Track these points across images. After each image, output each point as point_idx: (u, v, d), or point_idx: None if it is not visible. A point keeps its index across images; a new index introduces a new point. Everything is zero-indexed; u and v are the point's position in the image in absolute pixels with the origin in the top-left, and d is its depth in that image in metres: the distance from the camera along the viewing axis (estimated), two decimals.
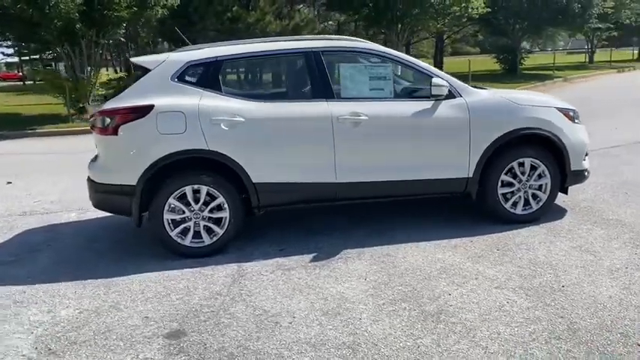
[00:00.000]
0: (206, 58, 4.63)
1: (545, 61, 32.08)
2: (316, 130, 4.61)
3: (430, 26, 22.72)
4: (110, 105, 4.50)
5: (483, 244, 4.60)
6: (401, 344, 3.09)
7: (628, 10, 32.29)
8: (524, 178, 5.00)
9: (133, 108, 4.41)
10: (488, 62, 31.21)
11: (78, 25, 14.77)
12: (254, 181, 4.55)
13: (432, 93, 4.69)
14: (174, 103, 4.45)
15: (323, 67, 4.71)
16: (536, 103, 5.05)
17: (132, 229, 5.34)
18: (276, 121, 4.55)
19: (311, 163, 4.65)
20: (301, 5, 28.45)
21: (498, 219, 5.04)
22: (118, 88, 5.78)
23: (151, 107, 4.40)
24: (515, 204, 5.04)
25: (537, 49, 40.36)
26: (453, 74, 5.25)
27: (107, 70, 37.32)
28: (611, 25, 30.54)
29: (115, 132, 4.42)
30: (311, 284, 3.96)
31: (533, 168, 4.99)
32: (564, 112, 5.10)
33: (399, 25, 20.68)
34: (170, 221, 4.52)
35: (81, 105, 16.30)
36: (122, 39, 23.51)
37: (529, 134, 4.91)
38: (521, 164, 4.97)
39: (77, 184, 7.49)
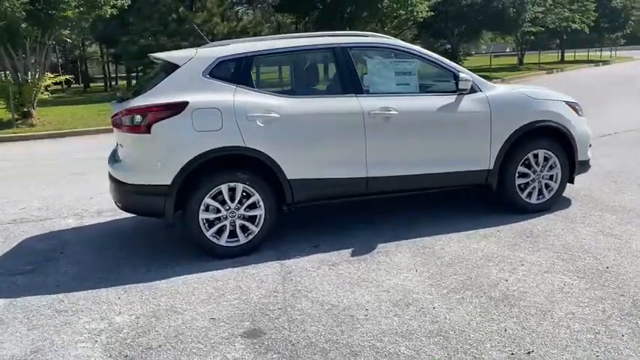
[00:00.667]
0: (236, 54, 4.54)
1: (479, 64, 33.45)
2: (348, 125, 4.62)
3: (377, 29, 23.12)
4: (140, 102, 4.32)
5: (510, 232, 4.77)
6: (487, 329, 3.15)
7: (552, 14, 34.23)
8: (538, 169, 5.22)
9: (167, 105, 4.25)
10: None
11: (23, 25, 13.98)
12: (289, 177, 4.49)
13: (460, 87, 4.82)
14: (210, 99, 4.33)
15: (352, 63, 4.73)
16: (548, 97, 5.30)
17: (139, 233, 5.20)
18: (310, 116, 4.52)
19: (343, 158, 4.65)
20: (240, 7, 28.22)
21: (513, 209, 5.23)
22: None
23: (185, 104, 4.26)
24: (530, 194, 5.25)
25: (462, 52, 41.83)
26: None
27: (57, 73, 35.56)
28: (542, 29, 32.27)
29: (147, 130, 4.25)
30: (365, 278, 3.96)
31: (545, 159, 5.23)
32: (571, 105, 5.38)
33: (348, 28, 20.93)
34: (205, 221, 4.39)
35: (25, 109, 15.42)
36: (68, 40, 22.28)
37: (543, 126, 5.14)
38: (536, 155, 5.19)
39: (57, 190, 7.15)
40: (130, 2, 16.55)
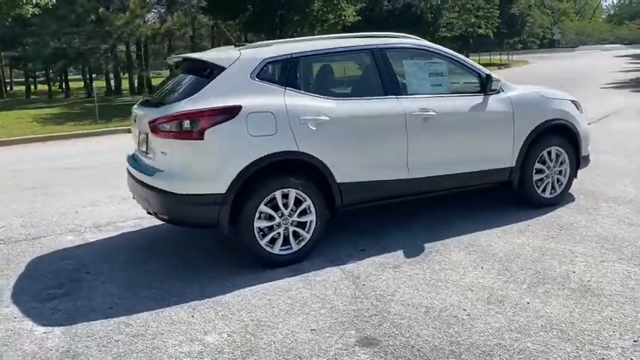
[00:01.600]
0: (282, 55, 4.38)
1: None
2: (392, 126, 4.61)
3: (307, 32, 23.21)
4: (189, 107, 4.04)
5: (540, 226, 4.97)
6: (593, 319, 3.27)
7: (460, 20, 36.15)
8: (552, 165, 5.50)
9: (221, 109, 4.02)
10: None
11: None
12: (338, 181, 4.41)
13: (491, 88, 4.97)
14: (263, 102, 4.15)
15: (390, 64, 4.73)
16: (557, 96, 5.59)
17: (163, 244, 4.92)
18: (358, 119, 4.47)
19: (388, 160, 4.64)
20: (158, 8, 27.16)
21: (528, 204, 5.47)
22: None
23: (239, 108, 4.05)
24: (544, 189, 5.51)
25: None
26: None
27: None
28: (457, 34, 33.99)
29: (200, 136, 3.99)
30: (437, 278, 3.97)
31: (557, 155, 5.51)
32: (575, 103, 5.72)
33: (279, 31, 20.86)
34: (259, 229, 4.20)
35: None
36: None
37: (556, 124, 5.42)
38: (549, 152, 5.46)
39: (29, 206, 6.52)
40: (54, 2, 15.41)
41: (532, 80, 22.29)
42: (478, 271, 4.06)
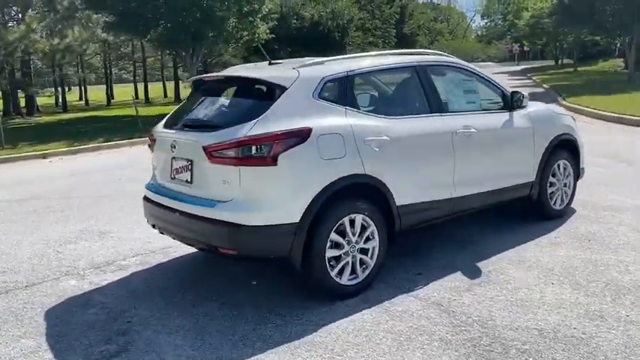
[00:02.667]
0: (339, 73, 4.14)
1: None
2: (442, 145, 4.54)
3: (222, 50, 22.70)
4: (260, 130, 3.66)
5: (567, 237, 5.12)
6: None
7: (359, 39, 37.28)
8: (561, 178, 5.72)
9: (294, 132, 3.70)
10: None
11: None
12: (397, 203, 4.24)
13: (523, 104, 5.07)
14: (330, 124, 3.88)
15: (432, 82, 4.66)
16: (563, 112, 5.85)
17: (191, 281, 4.50)
18: (412, 138, 4.33)
19: (439, 180, 4.55)
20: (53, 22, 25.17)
21: (540, 216, 5.63)
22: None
23: (310, 130, 3.76)
24: (555, 201, 5.72)
25: None
26: None
27: None
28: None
29: (273, 162, 3.63)
30: (520, 298, 3.90)
31: (564, 168, 5.75)
32: (572, 118, 6.01)
33: (192, 48, 20.16)
34: (329, 259, 3.91)
35: None
36: None
37: (564, 139, 5.65)
38: (559, 166, 5.67)
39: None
40: None
41: None
42: (552, 287, 4.07)
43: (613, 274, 4.25)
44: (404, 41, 41.84)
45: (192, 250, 5.12)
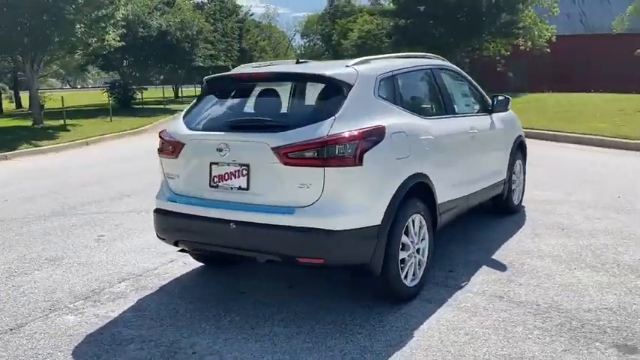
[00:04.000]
0: (387, 72, 4.06)
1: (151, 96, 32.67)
2: (464, 144, 4.74)
3: (67, 57, 20.39)
4: (343, 128, 3.43)
5: (545, 229, 5.60)
6: None
7: (213, 50, 36.23)
8: (519, 175, 6.27)
9: (373, 130, 3.55)
10: (100, 96, 29.99)
11: None
12: (438, 201, 4.29)
13: (508, 108, 5.46)
14: (395, 122, 3.79)
15: (444, 84, 4.81)
16: (515, 116, 6.41)
17: (218, 300, 4.08)
18: (447, 137, 4.43)
19: (462, 178, 4.70)
20: None
21: (506, 211, 6.10)
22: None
23: (384, 129, 3.64)
24: (515, 198, 6.24)
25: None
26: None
27: None
28: (214, 64, 33.80)
29: (359, 161, 3.43)
30: (571, 282, 4.19)
31: (519, 167, 6.31)
32: None
33: (32, 53, 17.90)
34: (399, 262, 3.80)
35: None
36: None
37: (520, 140, 6.21)
38: (516, 165, 6.20)
39: None
40: None
41: None
42: (578, 271, 4.42)
43: (611, 255, 4.77)
44: (243, 56, 42.07)
45: (184, 266, 4.75)
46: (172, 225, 3.96)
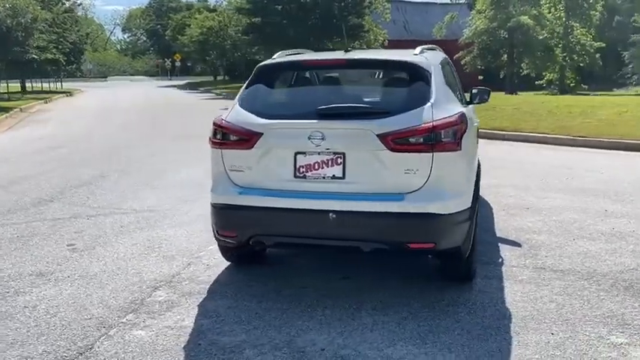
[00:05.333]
0: (441, 61, 4.26)
1: None
2: (475, 131, 5.05)
3: None
4: (443, 114, 3.54)
5: (512, 208, 6.24)
6: None
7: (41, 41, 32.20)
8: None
9: (462, 116, 3.70)
10: None
11: None
12: None
13: (489, 100, 5.92)
14: (464, 109, 3.99)
15: (454, 75, 5.11)
16: None
17: (277, 297, 4.02)
18: (474, 125, 4.71)
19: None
20: None
21: None
22: None
23: (464, 114, 3.81)
24: None
25: None
26: None
27: None
28: (49, 57, 29.96)
29: (459, 146, 3.55)
30: (585, 251, 4.70)
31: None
32: None
33: None
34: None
35: None
36: None
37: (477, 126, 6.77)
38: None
39: None
40: None
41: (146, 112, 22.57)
42: (581, 241, 5.00)
43: (591, 227, 5.48)
44: (76, 49, 38.66)
45: (209, 267, 4.53)
46: (248, 220, 3.69)
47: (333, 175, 3.54)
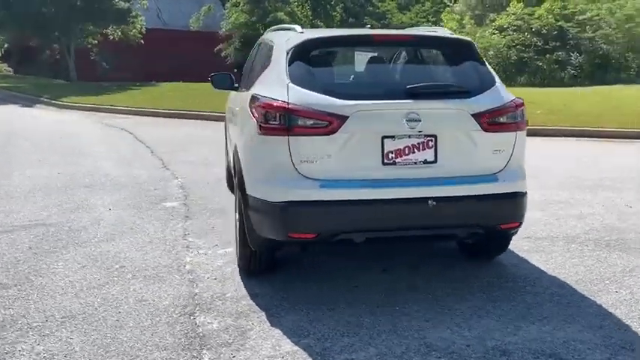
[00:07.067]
0: None
1: None
2: None
3: None
4: (509, 94, 3.57)
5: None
6: None
7: None
8: None
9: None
10: None
11: None
12: None
13: None
14: None
15: None
16: None
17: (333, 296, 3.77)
18: None
19: None
20: None
21: None
22: None
23: None
24: None
25: None
26: None
27: None
28: None
29: (525, 125, 3.61)
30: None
31: None
32: None
33: None
34: None
35: None
36: None
37: None
38: None
39: None
40: None
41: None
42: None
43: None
44: None
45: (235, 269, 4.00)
46: (333, 217, 3.18)
47: (425, 160, 3.29)
